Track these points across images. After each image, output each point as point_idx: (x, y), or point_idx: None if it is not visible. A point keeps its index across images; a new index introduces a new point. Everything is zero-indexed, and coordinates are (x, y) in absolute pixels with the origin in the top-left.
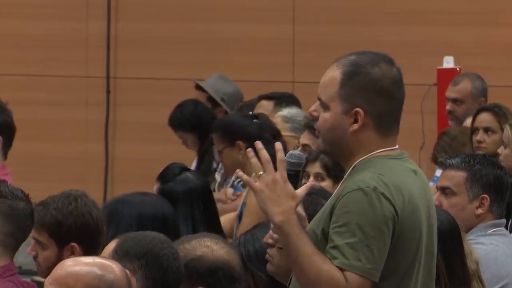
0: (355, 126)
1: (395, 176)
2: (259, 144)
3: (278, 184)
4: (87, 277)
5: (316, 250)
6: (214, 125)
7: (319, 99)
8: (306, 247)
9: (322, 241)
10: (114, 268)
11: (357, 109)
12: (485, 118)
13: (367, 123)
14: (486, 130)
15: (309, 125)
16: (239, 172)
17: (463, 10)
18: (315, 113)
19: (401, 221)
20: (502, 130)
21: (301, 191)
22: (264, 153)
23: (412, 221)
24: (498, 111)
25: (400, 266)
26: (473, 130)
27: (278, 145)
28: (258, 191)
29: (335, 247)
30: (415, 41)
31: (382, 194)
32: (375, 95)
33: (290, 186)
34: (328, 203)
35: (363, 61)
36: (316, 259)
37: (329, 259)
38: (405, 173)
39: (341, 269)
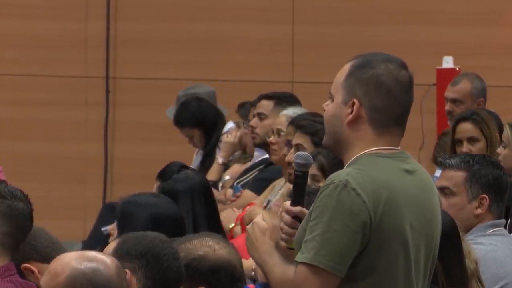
0: (350, 116)
1: (378, 174)
2: None
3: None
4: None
5: (280, 262)
6: None
7: (330, 92)
8: (274, 269)
9: None
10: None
11: (354, 99)
12: (466, 128)
13: (361, 116)
14: (470, 140)
15: (299, 124)
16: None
17: (463, 10)
18: (325, 107)
19: (376, 220)
20: (485, 136)
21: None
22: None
23: (391, 220)
24: (477, 118)
25: (378, 265)
26: (455, 141)
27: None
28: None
29: (305, 241)
30: (415, 41)
31: (353, 189)
32: (374, 89)
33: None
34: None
35: (374, 58)
36: (277, 270)
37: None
38: (393, 172)
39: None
